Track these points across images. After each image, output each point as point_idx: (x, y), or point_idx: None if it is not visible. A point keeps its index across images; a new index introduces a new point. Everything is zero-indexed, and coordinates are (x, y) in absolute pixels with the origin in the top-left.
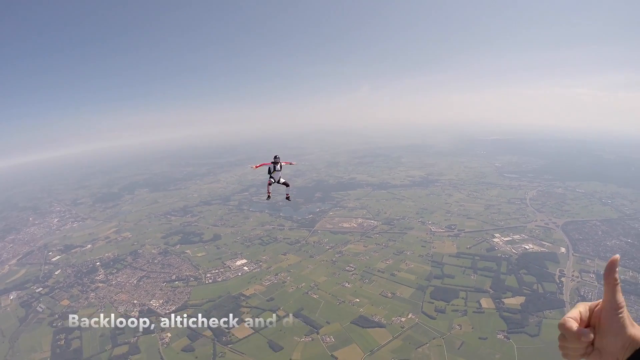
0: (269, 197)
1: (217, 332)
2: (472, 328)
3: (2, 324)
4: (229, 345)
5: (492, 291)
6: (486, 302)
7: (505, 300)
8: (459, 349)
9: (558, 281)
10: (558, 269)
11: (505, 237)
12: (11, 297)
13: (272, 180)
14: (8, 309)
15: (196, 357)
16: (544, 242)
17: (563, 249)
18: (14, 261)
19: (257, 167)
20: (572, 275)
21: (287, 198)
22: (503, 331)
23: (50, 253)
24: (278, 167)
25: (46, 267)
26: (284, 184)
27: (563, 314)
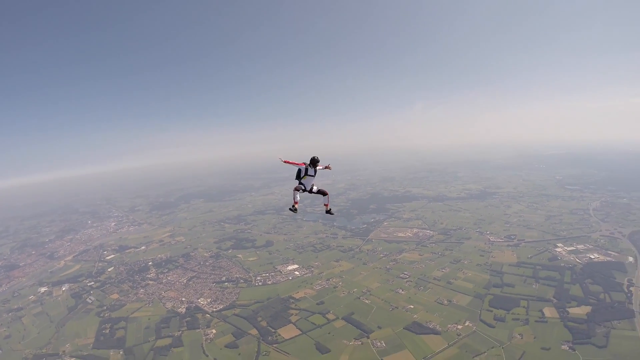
0: (294, 207)
1: (264, 331)
2: (534, 338)
3: (52, 311)
4: (274, 345)
5: (555, 300)
6: (549, 312)
7: (570, 310)
8: (519, 359)
9: (627, 290)
10: (626, 278)
11: (568, 246)
12: (63, 289)
13: (301, 186)
14: (59, 298)
15: (239, 354)
16: (610, 252)
17: (631, 258)
18: (69, 257)
19: (285, 161)
20: None
21: (328, 212)
22: (568, 342)
23: (105, 252)
24: (312, 172)
25: (100, 264)
26: (319, 192)
27: (633, 324)
